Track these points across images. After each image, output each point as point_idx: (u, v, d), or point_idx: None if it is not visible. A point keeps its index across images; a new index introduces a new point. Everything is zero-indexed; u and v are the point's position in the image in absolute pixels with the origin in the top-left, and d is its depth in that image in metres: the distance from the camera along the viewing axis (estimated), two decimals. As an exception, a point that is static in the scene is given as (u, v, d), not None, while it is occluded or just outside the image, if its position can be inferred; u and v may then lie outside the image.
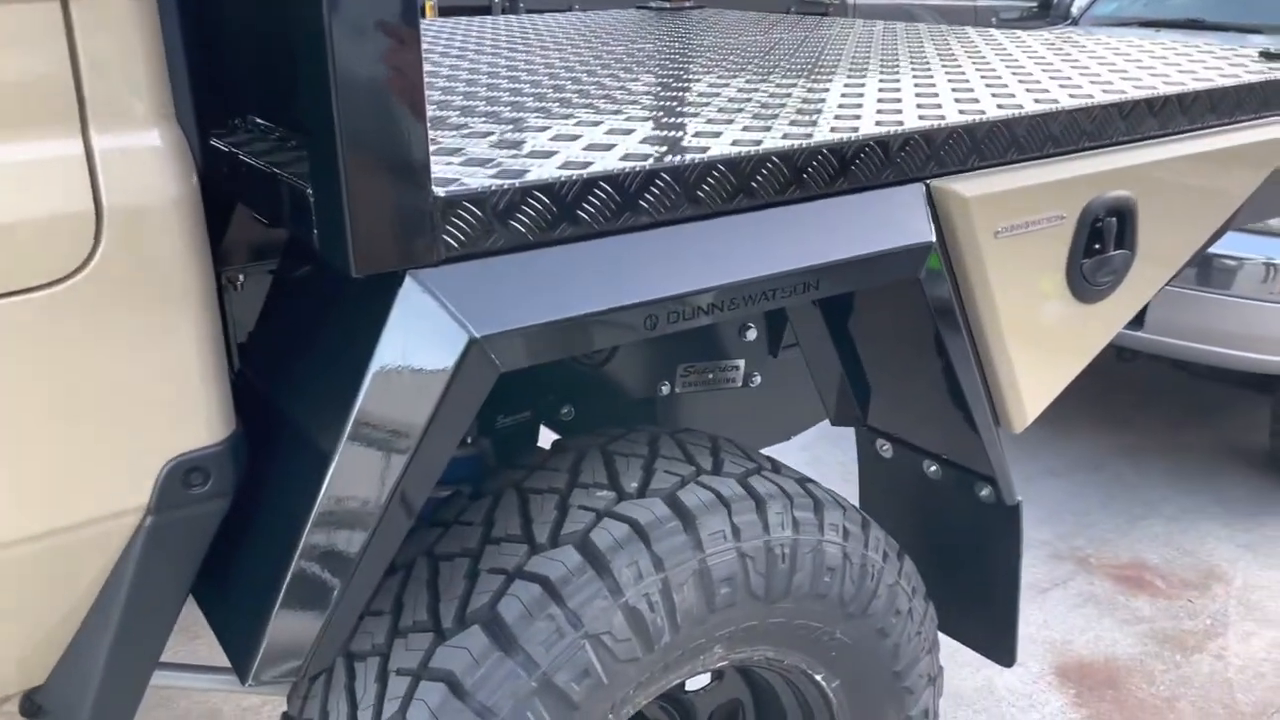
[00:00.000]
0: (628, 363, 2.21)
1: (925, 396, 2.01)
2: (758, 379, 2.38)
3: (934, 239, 1.62)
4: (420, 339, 1.27)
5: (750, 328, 2.31)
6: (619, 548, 1.57)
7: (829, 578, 1.75)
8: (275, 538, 1.40)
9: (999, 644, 2.11)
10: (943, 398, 1.93)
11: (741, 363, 2.35)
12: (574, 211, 1.32)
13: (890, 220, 1.59)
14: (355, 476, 1.30)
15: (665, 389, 2.27)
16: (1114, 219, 1.86)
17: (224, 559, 1.44)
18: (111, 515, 1.27)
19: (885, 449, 2.24)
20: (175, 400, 1.27)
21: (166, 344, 1.24)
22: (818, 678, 1.86)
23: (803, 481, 1.83)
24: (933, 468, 2.14)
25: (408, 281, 1.25)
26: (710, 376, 2.33)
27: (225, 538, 1.41)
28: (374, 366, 1.27)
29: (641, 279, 1.37)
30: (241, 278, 1.80)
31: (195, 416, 1.29)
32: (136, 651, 1.36)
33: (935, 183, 1.66)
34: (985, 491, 2.04)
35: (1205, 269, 3.98)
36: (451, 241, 1.25)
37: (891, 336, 1.96)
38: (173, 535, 1.31)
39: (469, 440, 2.10)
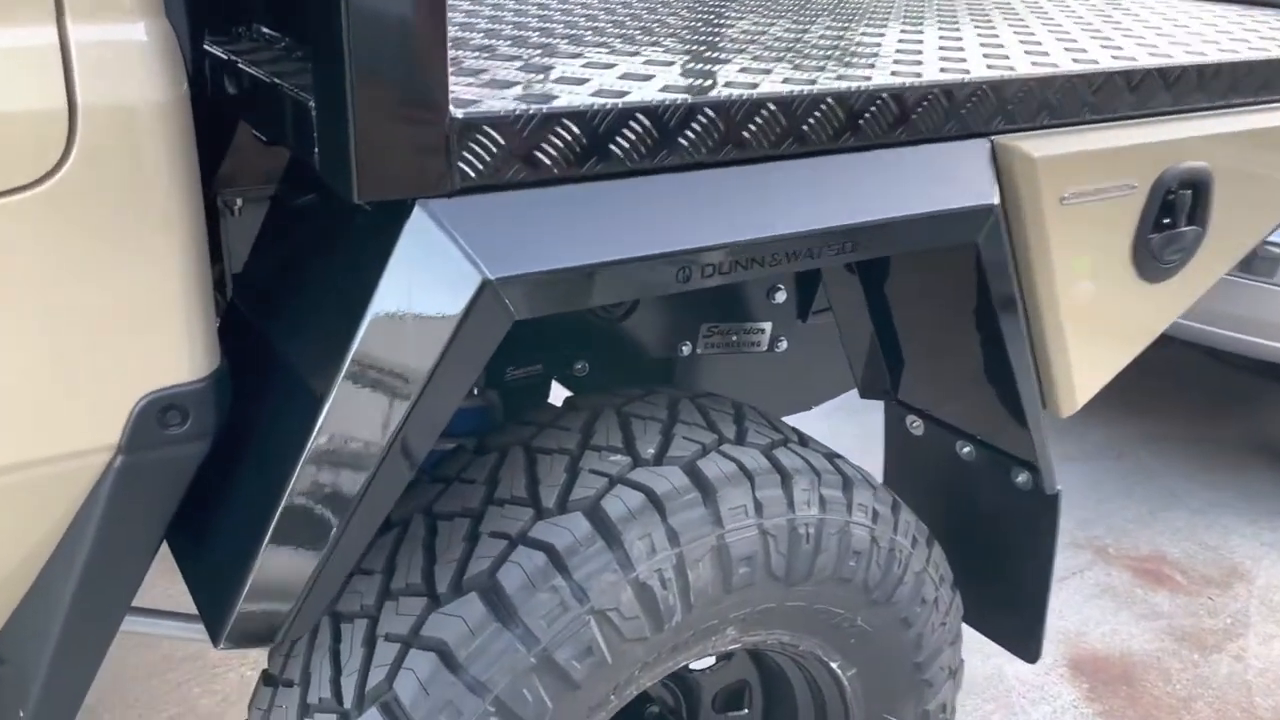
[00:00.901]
0: (649, 318, 2.07)
1: (966, 372, 1.88)
2: (784, 344, 2.25)
3: (998, 201, 1.47)
4: (428, 277, 1.13)
5: (780, 289, 2.17)
6: (632, 518, 1.45)
7: (854, 561, 1.63)
8: (259, 484, 1.28)
9: (1025, 639, 1.99)
10: (986, 375, 1.80)
11: (768, 326, 2.21)
12: (606, 145, 1.18)
13: (951, 178, 1.45)
14: (350, 421, 1.17)
15: (686, 349, 2.14)
16: (1188, 191, 1.71)
17: (202, 506, 1.32)
18: (77, 453, 1.15)
19: (915, 426, 2.11)
20: (152, 330, 1.14)
21: (144, 266, 1.11)
22: (833, 665, 1.75)
23: (831, 457, 1.70)
24: (966, 449, 2.01)
25: (416, 212, 1.11)
26: (734, 339, 2.19)
27: (204, 483, 1.29)
28: (376, 305, 1.14)
29: (676, 226, 1.23)
30: (239, 202, 1.67)
31: (174, 349, 1.16)
32: (102, 602, 1.24)
33: (1001, 139, 1.51)
34: (1022, 478, 1.91)
35: (1248, 256, 3.82)
36: (468, 170, 1.11)
37: (936, 304, 1.82)
38: (145, 478, 1.19)
39: (475, 391, 1.97)
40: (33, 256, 1.05)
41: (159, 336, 1.15)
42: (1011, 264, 1.55)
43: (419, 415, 1.16)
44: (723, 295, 2.13)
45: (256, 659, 3.03)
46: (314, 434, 1.19)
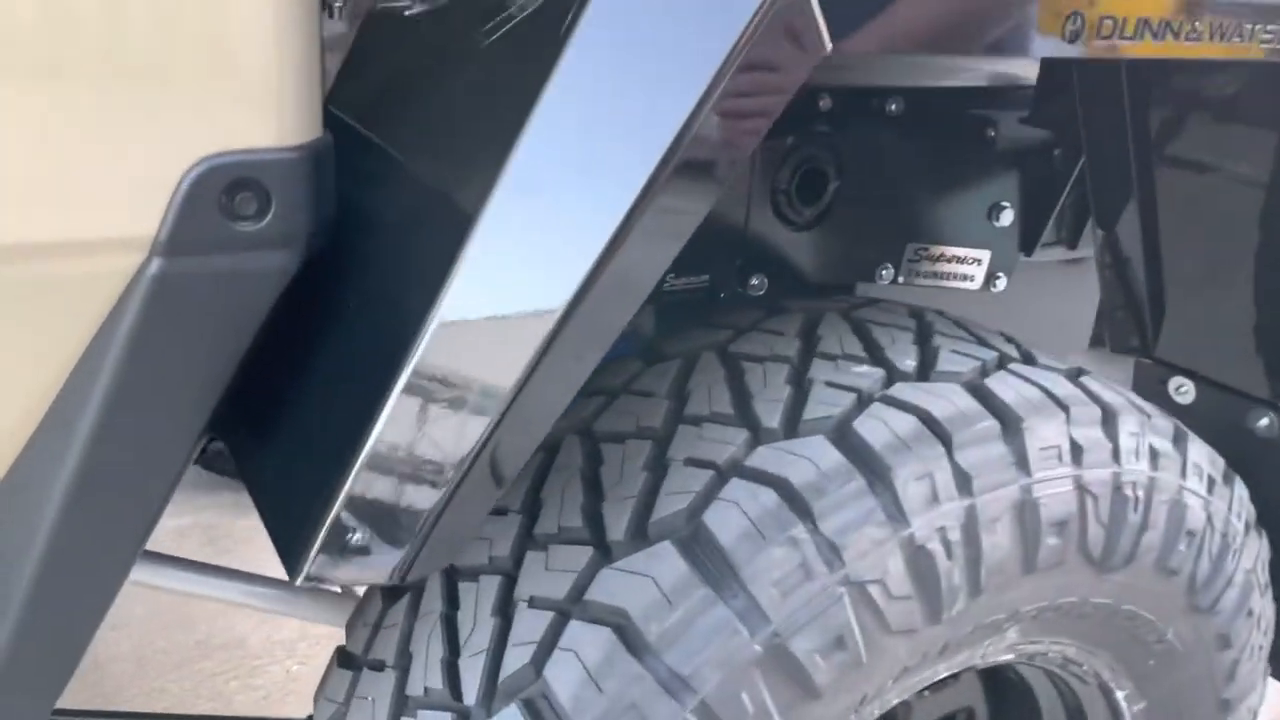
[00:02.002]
0: (847, 229, 1.60)
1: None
2: (1001, 282, 1.75)
3: None
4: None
5: (1005, 207, 1.69)
6: (904, 448, 0.97)
7: (1185, 546, 1.13)
8: (367, 354, 0.83)
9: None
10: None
11: (986, 255, 1.73)
12: None
13: None
14: (546, 213, 0.71)
15: (887, 274, 1.66)
16: None
17: (274, 385, 0.86)
18: (86, 245, 0.70)
19: (1184, 391, 1.61)
20: (227, 51, 0.69)
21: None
22: (1119, 695, 1.25)
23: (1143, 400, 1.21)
24: (1263, 421, 1.51)
25: None
26: (944, 267, 1.71)
27: (277, 352, 0.83)
28: (584, 22, 0.68)
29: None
30: (340, 2, 1.22)
31: (259, 91, 0.71)
32: (121, 491, 0.78)
33: None
34: (1358, 459, 1.40)
35: None
36: None
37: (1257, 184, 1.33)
38: (198, 298, 0.73)
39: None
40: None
41: (231, 66, 0.69)
42: None
43: (660, 213, 0.70)
44: (937, 209, 1.66)
45: (306, 652, 2.58)
46: (464, 254, 0.73)
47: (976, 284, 1.76)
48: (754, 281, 1.58)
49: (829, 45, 0.66)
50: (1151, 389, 1.64)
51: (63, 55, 0.65)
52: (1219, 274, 1.51)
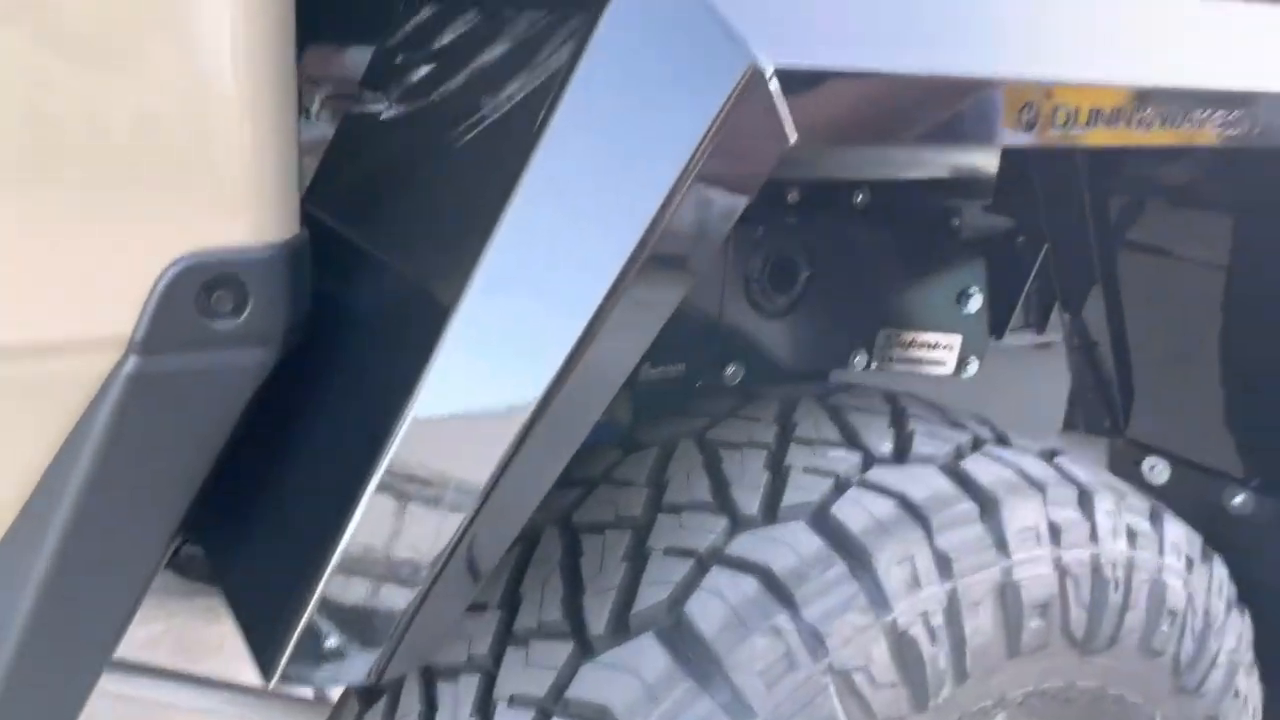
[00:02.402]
0: (819, 316, 1.62)
1: (1266, 382, 1.41)
2: (973, 365, 1.78)
3: None
4: (648, 74, 0.69)
5: (973, 293, 1.72)
6: (883, 532, 0.96)
7: (1167, 626, 1.13)
8: (340, 452, 0.82)
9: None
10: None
11: (957, 340, 1.75)
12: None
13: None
14: (495, 318, 0.72)
15: (860, 360, 1.67)
16: None
17: (247, 483, 0.85)
18: (60, 346, 0.70)
19: (1157, 471, 1.62)
20: (204, 152, 0.70)
21: (203, 38, 0.68)
22: (1111, 783, 1.22)
23: (1117, 479, 1.22)
24: (1238, 498, 1.52)
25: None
26: (917, 352, 1.73)
27: (250, 449, 0.83)
28: (560, 116, 0.70)
29: (1037, 45, 0.79)
30: (316, 104, 1.25)
31: (236, 190, 0.72)
32: (90, 600, 0.77)
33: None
34: (1332, 533, 1.41)
35: None
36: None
37: (1236, 268, 1.37)
38: (174, 397, 0.73)
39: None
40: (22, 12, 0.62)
41: (209, 165, 0.71)
42: None
43: (631, 305, 0.70)
44: (907, 296, 1.69)
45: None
46: (439, 350, 0.74)
47: (949, 368, 1.78)
48: (730, 369, 1.59)
49: (793, 137, 0.68)
50: (1126, 469, 1.66)
51: (42, 156, 0.66)
52: (1185, 354, 1.54)
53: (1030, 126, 0.78)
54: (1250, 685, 1.30)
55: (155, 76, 0.67)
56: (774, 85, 0.67)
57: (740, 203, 0.71)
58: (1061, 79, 0.78)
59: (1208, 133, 0.88)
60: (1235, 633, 1.25)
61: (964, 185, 1.66)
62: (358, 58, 1.24)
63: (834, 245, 1.56)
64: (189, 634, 2.90)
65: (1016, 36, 0.80)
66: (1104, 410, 1.69)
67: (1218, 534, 1.53)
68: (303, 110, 1.24)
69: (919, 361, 1.75)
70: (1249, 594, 1.52)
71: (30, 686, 0.78)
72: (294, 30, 0.73)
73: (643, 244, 0.69)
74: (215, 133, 0.69)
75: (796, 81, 0.68)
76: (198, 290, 0.71)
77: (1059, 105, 0.79)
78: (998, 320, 1.78)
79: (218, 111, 0.69)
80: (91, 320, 0.70)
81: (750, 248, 1.48)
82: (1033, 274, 1.73)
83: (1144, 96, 0.84)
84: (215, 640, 2.82)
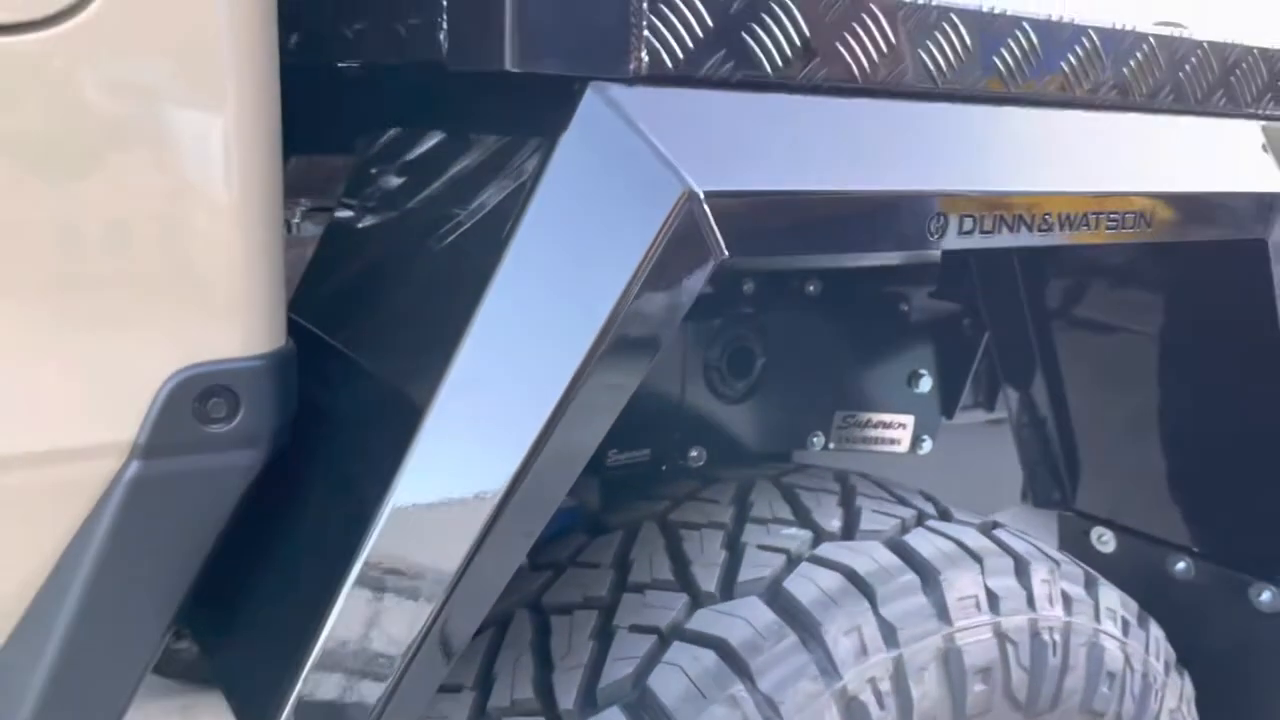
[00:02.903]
0: (777, 400, 1.70)
1: (1196, 456, 1.50)
2: (927, 444, 1.86)
3: (1284, 190, 1.14)
4: (597, 199, 0.79)
5: (923, 375, 1.82)
6: (831, 604, 1.04)
7: (1107, 687, 1.19)
8: (322, 544, 0.89)
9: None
10: (1238, 454, 1.42)
11: (910, 420, 1.84)
12: (835, 45, 0.86)
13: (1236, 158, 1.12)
14: (472, 419, 0.80)
15: (818, 441, 1.76)
16: None
17: (236, 569, 0.92)
18: (69, 453, 0.77)
19: (1104, 541, 1.70)
20: (200, 273, 0.78)
21: (193, 168, 0.77)
22: (1066, 843, 1.28)
23: (1056, 550, 1.30)
24: (1180, 565, 1.60)
25: (590, 97, 0.78)
26: (871, 433, 1.81)
27: (243, 538, 0.90)
28: (521, 237, 0.79)
29: (935, 162, 0.90)
30: (298, 218, 1.34)
31: (228, 307, 0.80)
32: (94, 686, 0.83)
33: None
34: (1266, 596, 1.49)
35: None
36: (661, 50, 0.79)
37: (1159, 353, 1.46)
38: (172, 497, 0.80)
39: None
40: (14, 141, 0.71)
41: (203, 286, 0.79)
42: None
43: (587, 398, 0.78)
44: (860, 379, 1.78)
45: None
46: (417, 440, 0.81)
47: (904, 447, 1.86)
48: (693, 453, 1.67)
49: (725, 252, 0.77)
50: (1075, 540, 1.74)
51: (59, 285, 0.74)
52: (1126, 429, 1.62)
53: (941, 234, 0.88)
54: (1195, 744, 1.36)
55: (160, 215, 0.75)
56: (705, 206, 0.76)
57: (683, 306, 0.80)
58: (961, 190, 0.88)
59: (1102, 232, 0.98)
60: (1176, 692, 1.31)
61: (911, 273, 1.77)
62: (338, 168, 1.33)
63: (788, 332, 1.65)
64: (167, 733, 2.89)
65: (928, 155, 0.90)
66: (1053, 483, 1.77)
67: (1162, 599, 1.61)
68: (287, 226, 1.33)
69: (874, 440, 1.83)
70: (1192, 655, 1.60)
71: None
72: (280, 168, 0.82)
73: (596, 345, 0.78)
74: (210, 260, 0.78)
75: (725, 203, 0.77)
76: (194, 399, 0.79)
77: (965, 214, 0.89)
78: (948, 400, 1.87)
79: (213, 243, 0.77)
80: (98, 428, 0.77)
81: (709, 337, 1.57)
82: (979, 355, 1.82)
83: (1041, 203, 0.94)
84: (194, 737, 2.81)
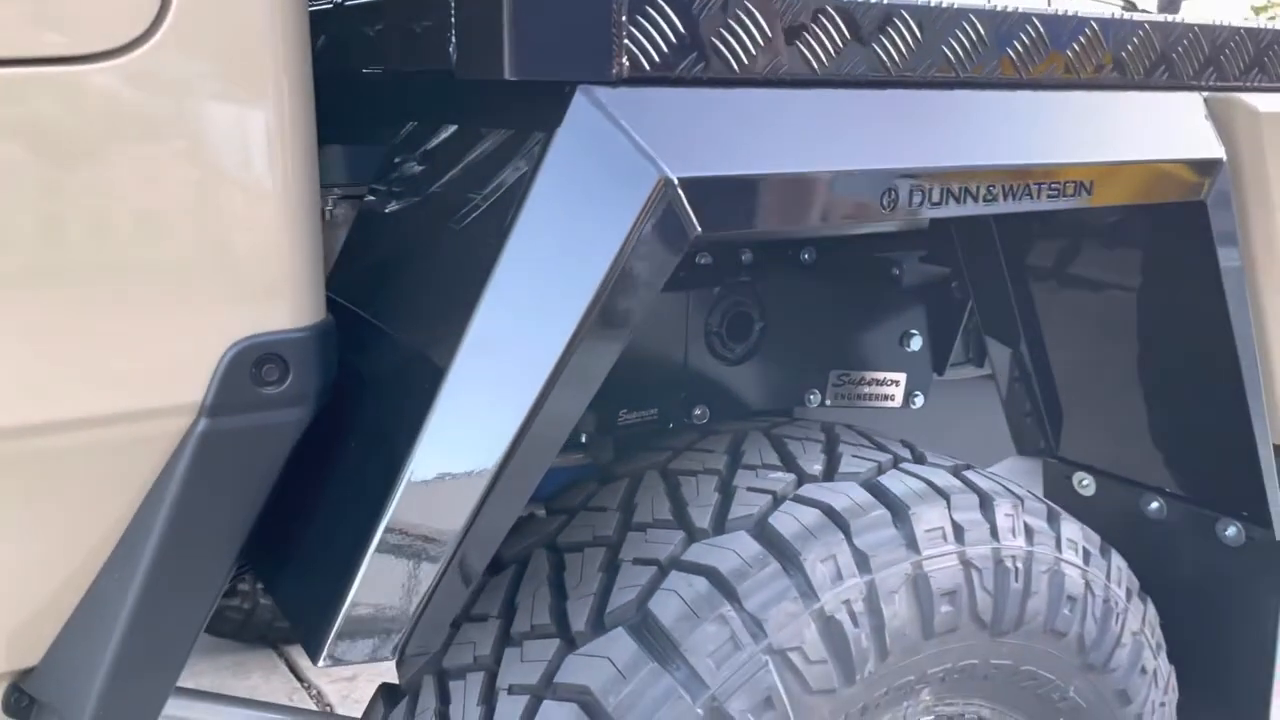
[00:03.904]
0: (775, 361, 1.83)
1: (1162, 403, 1.61)
2: (919, 399, 1.99)
3: (1224, 157, 1.25)
4: (587, 185, 0.92)
5: (914, 334, 1.94)
6: (810, 536, 1.17)
7: (1069, 610, 1.32)
8: (366, 478, 1.04)
9: (1248, 735, 1.64)
10: (1193, 400, 1.53)
11: (903, 377, 1.96)
12: (794, 41, 0.99)
13: (1173, 128, 1.24)
14: (490, 363, 0.94)
15: (814, 398, 1.88)
16: None
17: (295, 502, 1.06)
18: (147, 412, 0.91)
19: (1085, 485, 1.82)
20: (250, 260, 0.92)
21: (244, 174, 0.91)
22: (1037, 753, 1.41)
23: (1023, 487, 1.42)
24: (1153, 504, 1.72)
25: (578, 100, 0.91)
26: (865, 390, 1.94)
27: (294, 476, 1.04)
28: (522, 223, 0.92)
29: (885, 144, 1.02)
30: (331, 203, 1.47)
31: (276, 287, 0.94)
32: (170, 618, 0.98)
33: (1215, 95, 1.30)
34: (1231, 531, 1.61)
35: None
36: (640, 55, 0.91)
37: (1121, 311, 1.57)
38: (235, 449, 0.94)
39: (583, 440, 1.72)
40: (99, 150, 0.85)
41: (258, 268, 0.93)
42: (1241, 238, 1.31)
43: (581, 358, 0.92)
44: (853, 340, 1.90)
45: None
46: (439, 400, 0.95)
47: (897, 402, 1.98)
48: (697, 411, 1.81)
49: (698, 229, 0.90)
50: (1059, 485, 1.86)
51: (140, 267, 0.88)
52: (1101, 379, 1.74)
53: (892, 207, 1.01)
54: (1160, 664, 1.48)
55: (221, 211, 0.89)
56: (679, 191, 0.89)
57: (661, 279, 0.93)
58: (908, 167, 1.00)
59: (1044, 200, 1.10)
60: (1138, 616, 1.44)
61: (901, 240, 1.88)
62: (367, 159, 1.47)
63: (785, 298, 1.77)
64: (220, 687, 3.08)
65: (881, 137, 1.03)
66: (1038, 433, 1.89)
67: (1139, 537, 1.74)
68: (324, 214, 1.47)
69: (869, 397, 1.96)
70: (1166, 588, 1.72)
71: (121, 689, 0.98)
72: (317, 166, 0.95)
73: (589, 312, 0.91)
74: (261, 247, 0.91)
75: (697, 186, 0.90)
76: (251, 365, 0.93)
77: (915, 186, 1.02)
78: (939, 357, 1.99)
79: (263, 234, 0.91)
80: (173, 391, 0.92)
81: (709, 304, 1.69)
82: (966, 315, 1.94)
83: (986, 174, 1.06)
84: (245, 691, 3.00)
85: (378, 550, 0.97)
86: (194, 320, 0.91)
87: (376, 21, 1.08)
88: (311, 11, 1.12)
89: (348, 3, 1.15)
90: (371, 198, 1.36)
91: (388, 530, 0.96)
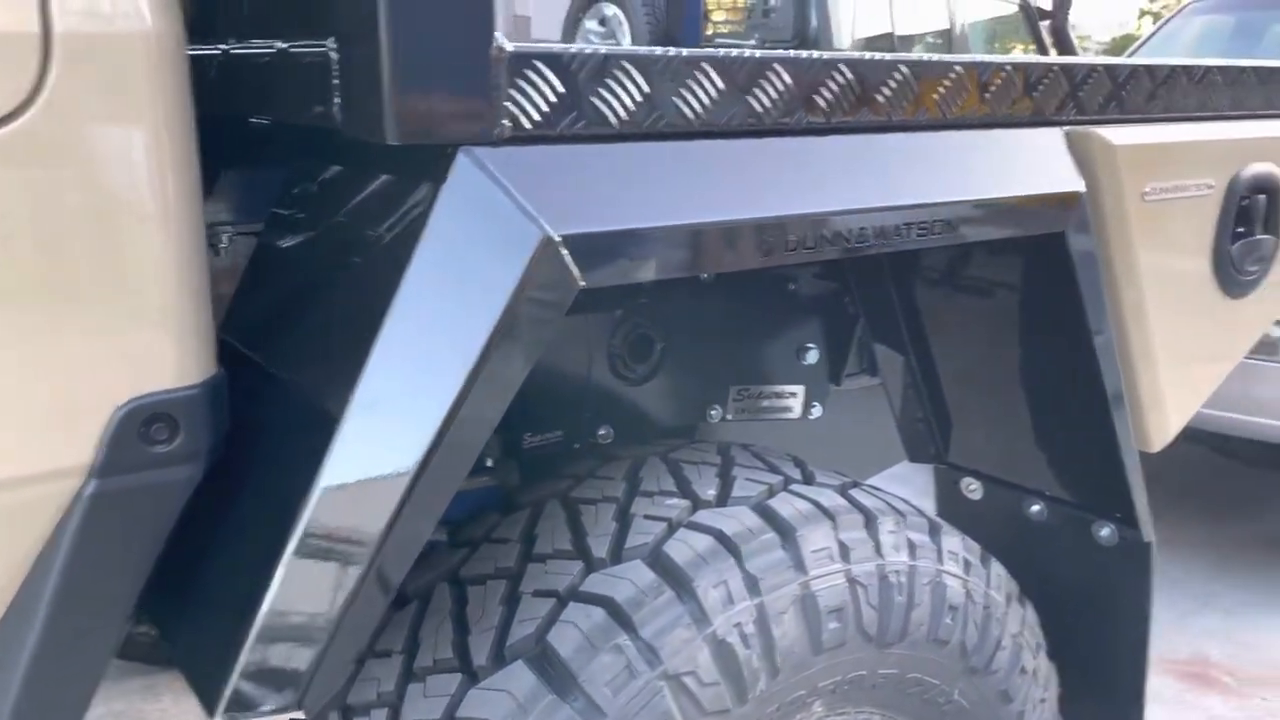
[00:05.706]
0: (676, 380, 1.88)
1: (1037, 413, 1.70)
2: (818, 410, 2.06)
3: (1084, 189, 1.33)
4: (474, 241, 0.94)
5: (810, 348, 2.00)
6: (702, 563, 1.22)
7: (950, 619, 1.40)
8: (260, 529, 1.05)
9: (1122, 722, 1.74)
10: (1065, 411, 1.62)
11: (800, 390, 2.03)
12: (671, 98, 1.02)
13: (1034, 164, 1.31)
14: (381, 420, 0.96)
15: (715, 414, 1.94)
16: (1261, 197, 1.59)
17: (189, 553, 1.07)
18: (34, 477, 0.92)
19: (972, 489, 1.91)
20: (137, 319, 0.93)
21: (128, 235, 0.91)
22: (926, 753, 1.49)
23: (907, 501, 1.49)
24: (1035, 507, 1.81)
25: (461, 161, 0.93)
26: (764, 403, 2.00)
27: (190, 526, 1.05)
28: (408, 285, 0.95)
29: (759, 193, 1.06)
30: (225, 239, 1.47)
31: (164, 345, 0.95)
32: (65, 678, 0.98)
33: (1075, 129, 1.38)
34: (1106, 532, 1.71)
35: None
36: (521, 116, 0.94)
37: (997, 331, 1.66)
38: (124, 509, 0.95)
39: (489, 464, 1.75)
40: (-5, 213, 0.85)
41: (144, 329, 0.94)
42: (1101, 266, 1.40)
43: (470, 408, 0.95)
44: (751, 355, 1.95)
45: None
46: (334, 446, 0.97)
47: (796, 414, 2.05)
48: (602, 431, 1.84)
49: (581, 282, 0.94)
50: (948, 489, 1.94)
51: (29, 329, 0.88)
52: (984, 389, 1.82)
53: (767, 253, 1.05)
54: (1040, 663, 1.57)
55: (106, 276, 0.90)
56: (562, 248, 0.92)
57: (550, 327, 0.96)
58: (782, 215, 1.05)
59: (912, 241, 1.16)
60: (1017, 619, 1.52)
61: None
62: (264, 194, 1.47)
63: (684, 318, 1.81)
64: (130, 713, 3.03)
65: (756, 186, 1.07)
66: (928, 440, 1.97)
67: (1021, 538, 1.83)
68: (214, 247, 1.46)
69: (769, 410, 2.02)
70: (1048, 588, 1.81)
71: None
72: (203, 227, 0.96)
73: (475, 369, 0.94)
74: (147, 310, 0.92)
75: (580, 242, 0.94)
76: (139, 425, 0.94)
77: (789, 234, 1.07)
78: (834, 369, 2.06)
79: (151, 298, 0.92)
80: (60, 454, 0.92)
81: (610, 327, 1.73)
82: (859, 327, 2.01)
83: (864, 215, 1.12)
84: (156, 715, 2.96)
85: (276, 593, 0.98)
86: (80, 383, 0.91)
87: (264, 76, 1.09)
88: (201, 55, 1.13)
89: (233, 52, 1.16)
90: (265, 240, 1.37)
91: (286, 571, 0.98)
